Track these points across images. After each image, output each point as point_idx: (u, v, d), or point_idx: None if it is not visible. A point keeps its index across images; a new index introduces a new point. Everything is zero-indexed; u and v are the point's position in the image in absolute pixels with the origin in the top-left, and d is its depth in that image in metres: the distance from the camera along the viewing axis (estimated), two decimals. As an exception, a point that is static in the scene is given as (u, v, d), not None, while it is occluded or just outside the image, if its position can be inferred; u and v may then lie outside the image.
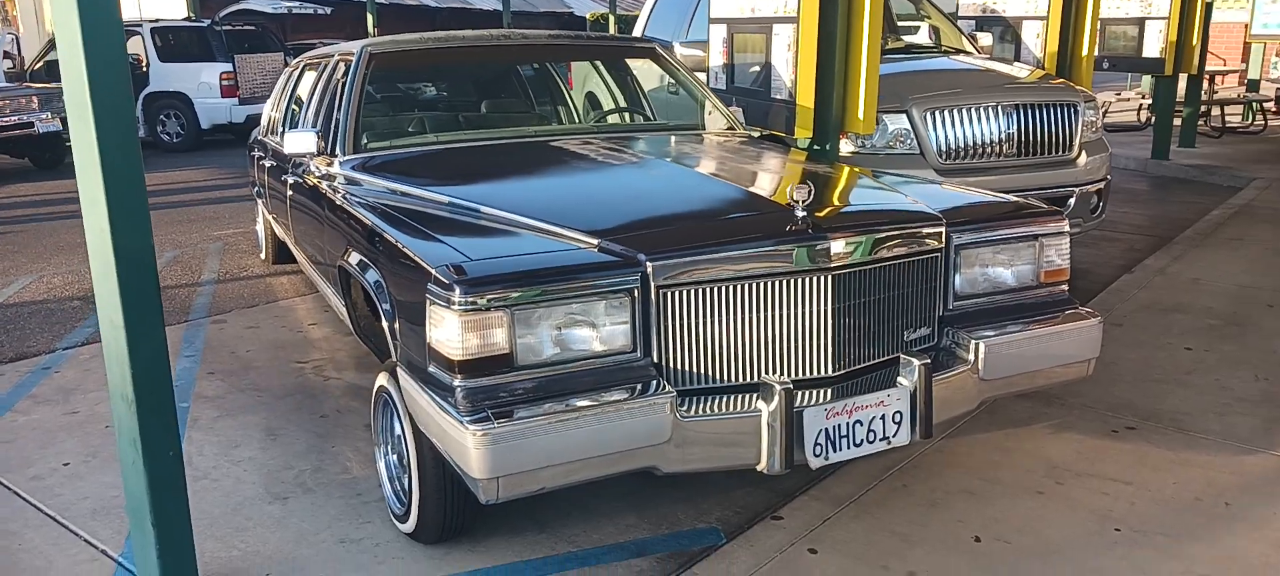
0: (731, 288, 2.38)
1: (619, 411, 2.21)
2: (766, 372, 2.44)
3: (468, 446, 2.11)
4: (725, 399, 2.37)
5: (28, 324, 5.38)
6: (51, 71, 15.19)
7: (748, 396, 2.38)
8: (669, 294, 2.35)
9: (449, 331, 2.20)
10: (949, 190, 3.14)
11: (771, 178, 3.17)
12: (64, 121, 11.90)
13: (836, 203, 2.88)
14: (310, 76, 5.35)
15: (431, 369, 2.32)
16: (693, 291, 2.37)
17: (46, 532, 3.09)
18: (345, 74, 4.45)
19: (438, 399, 2.28)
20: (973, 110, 5.34)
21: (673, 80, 4.65)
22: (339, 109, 3.89)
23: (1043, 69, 6.92)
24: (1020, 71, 6.24)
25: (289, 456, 3.59)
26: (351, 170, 3.59)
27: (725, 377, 2.42)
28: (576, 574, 2.83)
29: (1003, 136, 5.40)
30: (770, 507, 3.13)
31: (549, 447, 2.15)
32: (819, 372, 2.49)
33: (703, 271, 2.37)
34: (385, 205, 3.01)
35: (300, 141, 3.80)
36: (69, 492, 3.35)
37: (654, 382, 2.33)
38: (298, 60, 6.02)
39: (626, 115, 4.78)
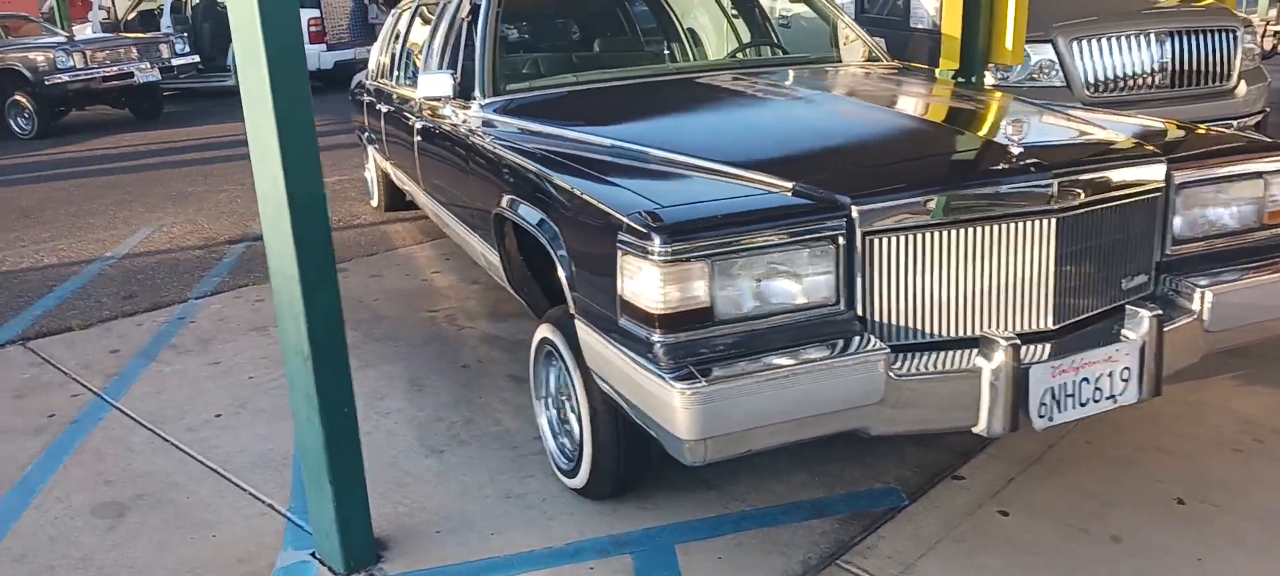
0: (945, 233, 2.20)
1: (831, 370, 2.06)
2: (981, 327, 2.26)
3: (673, 405, 1.98)
4: (940, 355, 2.20)
5: (156, 273, 5.42)
6: (146, 21, 15.43)
7: (963, 353, 2.20)
8: (876, 241, 2.18)
9: (647, 283, 2.06)
10: (1154, 123, 2.88)
11: (963, 112, 2.95)
12: (165, 70, 12.07)
13: (1050, 138, 2.65)
14: (416, 22, 5.24)
15: (623, 322, 2.19)
16: (902, 238, 2.19)
17: (210, 485, 3.07)
18: (472, 14, 4.31)
19: (631, 354, 2.15)
20: (1123, 38, 4.99)
21: (812, 9, 4.41)
22: (476, 50, 3.76)
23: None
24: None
25: (437, 408, 3.53)
26: (494, 113, 3.47)
27: (937, 332, 2.25)
28: (754, 534, 2.71)
29: (1156, 66, 5.05)
30: (949, 467, 2.96)
31: (758, 408, 2.02)
32: (1038, 326, 2.29)
33: (914, 216, 2.18)
34: (546, 150, 2.87)
35: (435, 84, 3.68)
36: (226, 444, 3.33)
37: (857, 338, 2.17)
38: (403, 2, 5.91)
39: (764, 48, 4.55)
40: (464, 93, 3.74)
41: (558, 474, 2.96)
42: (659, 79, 3.78)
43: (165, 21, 14.56)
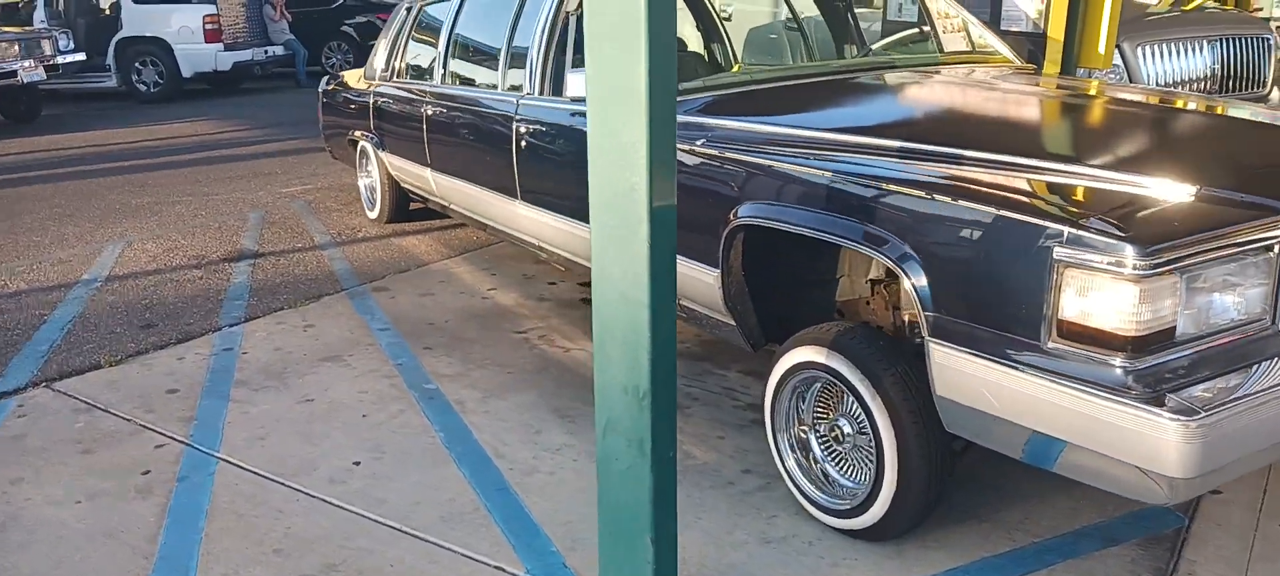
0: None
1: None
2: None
3: (1167, 441, 1.74)
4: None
5: (163, 298, 4.74)
6: (8, 15, 13.93)
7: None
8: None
9: (1113, 301, 1.81)
10: None
11: (1247, 116, 2.81)
12: (49, 68, 10.89)
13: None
14: (472, 12, 4.79)
15: (1054, 345, 1.93)
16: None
17: (409, 548, 2.61)
18: (576, 6, 3.93)
19: (1074, 382, 1.90)
20: (1180, 43, 5.07)
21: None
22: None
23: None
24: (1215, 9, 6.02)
25: (613, 443, 3.15)
26: (685, 115, 3.12)
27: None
28: (1062, 567, 2.49)
29: (1207, 71, 5.15)
30: (1208, 480, 2.83)
31: (1247, 437, 1.80)
32: None
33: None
34: (836, 156, 2.57)
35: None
36: (392, 497, 2.86)
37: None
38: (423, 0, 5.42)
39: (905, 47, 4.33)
40: None
41: (817, 514, 2.66)
42: (843, 76, 3.50)
43: (39, 15, 13.16)
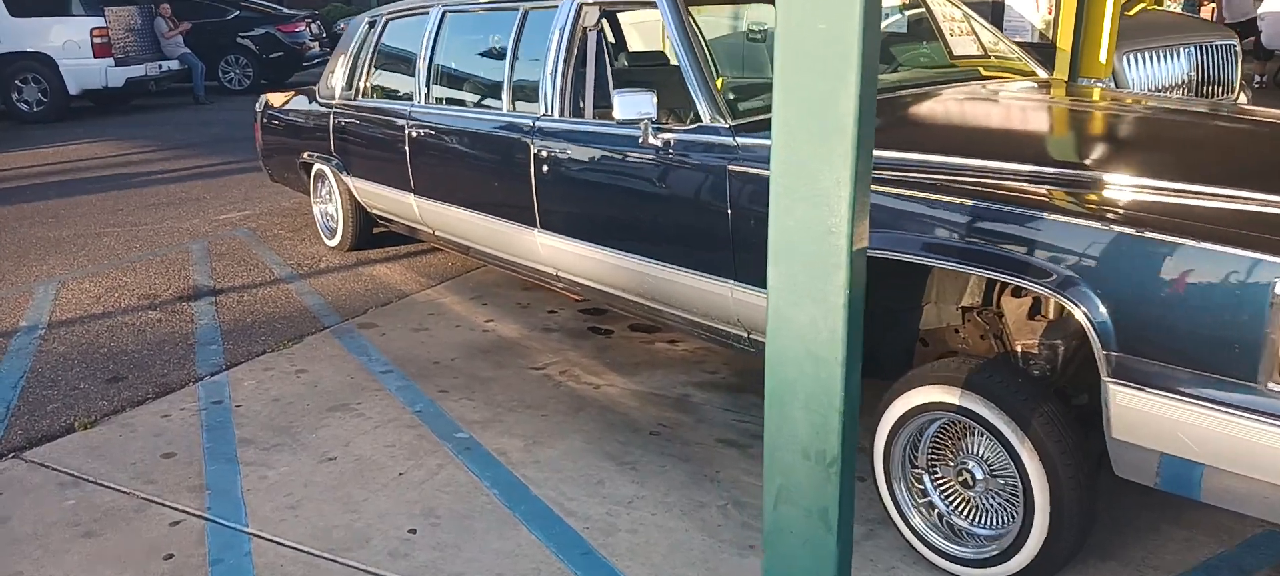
0: None
1: None
2: None
3: None
4: None
5: (124, 346, 4.27)
6: None
7: None
8: None
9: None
10: None
11: None
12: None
13: None
14: (458, 29, 4.49)
15: (1275, 386, 1.81)
16: None
17: (505, 632, 2.33)
18: (594, 23, 3.70)
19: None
20: (1161, 51, 5.14)
21: (961, 15, 4.13)
22: (684, 63, 3.17)
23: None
24: (1174, 12, 6.15)
25: (680, 491, 2.92)
26: (750, 138, 2.91)
27: None
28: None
29: (1185, 76, 5.25)
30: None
31: None
32: None
33: None
34: (979, 183, 2.41)
35: (636, 105, 3.07)
36: (470, 571, 2.56)
37: None
38: (388, 13, 5.08)
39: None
40: (690, 116, 3.17)
41: (946, 564, 2.49)
42: (903, 93, 3.35)
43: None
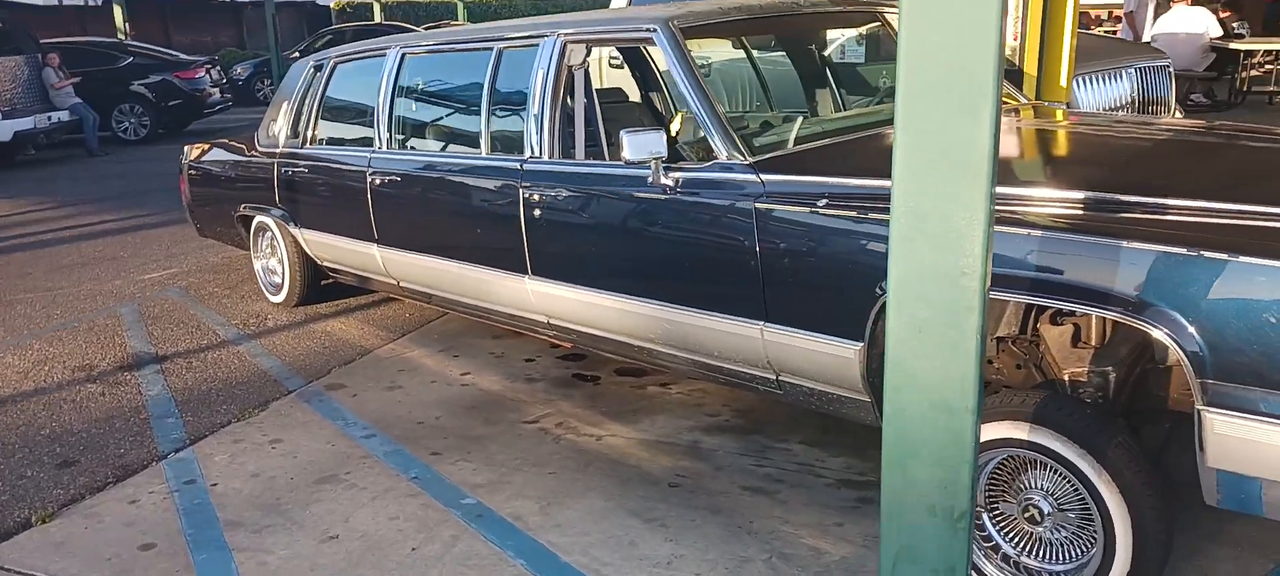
0: None
1: None
2: None
3: None
4: None
5: (66, 425, 3.90)
6: None
7: None
8: None
9: None
10: None
11: None
12: None
13: None
14: (419, 71, 4.30)
15: None
16: None
17: None
18: (580, 62, 3.58)
19: None
20: (1107, 73, 5.29)
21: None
22: (691, 100, 3.06)
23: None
24: (1108, 38, 6.35)
25: (719, 548, 2.78)
26: (774, 174, 2.82)
27: None
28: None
29: (1129, 97, 5.41)
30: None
31: None
32: None
33: None
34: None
35: (647, 145, 2.95)
36: (518, 654, 2.37)
37: None
38: (335, 57, 4.85)
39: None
40: (704, 153, 3.06)
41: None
42: None
43: None
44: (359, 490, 3.24)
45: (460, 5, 28.09)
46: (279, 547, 2.90)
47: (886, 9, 4.17)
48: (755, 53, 4.86)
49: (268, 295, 5.46)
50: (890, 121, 3.29)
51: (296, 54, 21.03)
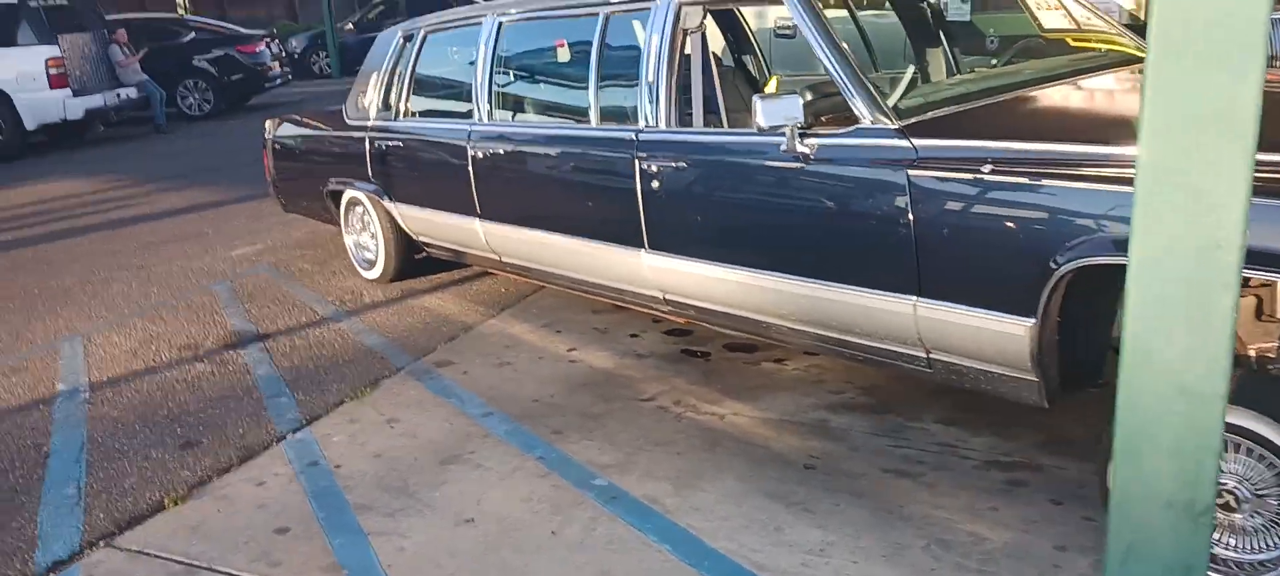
0: None
1: None
2: None
3: None
4: None
5: (182, 405, 3.90)
6: None
7: None
8: None
9: None
10: None
11: None
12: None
13: None
14: (519, 39, 4.20)
15: None
16: None
17: None
18: (697, 25, 3.45)
19: None
20: None
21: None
22: (829, 61, 2.92)
23: None
24: None
25: (873, 530, 2.67)
26: (929, 139, 2.67)
27: None
28: None
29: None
30: None
31: None
32: None
33: None
34: None
35: (782, 110, 2.82)
36: (681, 644, 2.29)
37: None
38: (426, 27, 4.76)
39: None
40: (844, 115, 2.93)
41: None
42: (1073, 81, 3.14)
43: None
44: (486, 471, 3.18)
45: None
46: (415, 531, 2.85)
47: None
48: (859, 11, 4.69)
49: (360, 271, 5.44)
50: (1032, 82, 3.17)
51: (350, 26, 21.07)
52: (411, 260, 5.22)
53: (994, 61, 3.82)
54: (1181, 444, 1.57)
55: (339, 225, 5.52)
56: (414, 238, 5.00)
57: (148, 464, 3.42)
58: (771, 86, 4.72)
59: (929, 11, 4.35)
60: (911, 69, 3.49)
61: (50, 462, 3.47)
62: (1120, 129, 2.74)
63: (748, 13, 5.29)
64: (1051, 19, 4.05)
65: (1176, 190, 1.49)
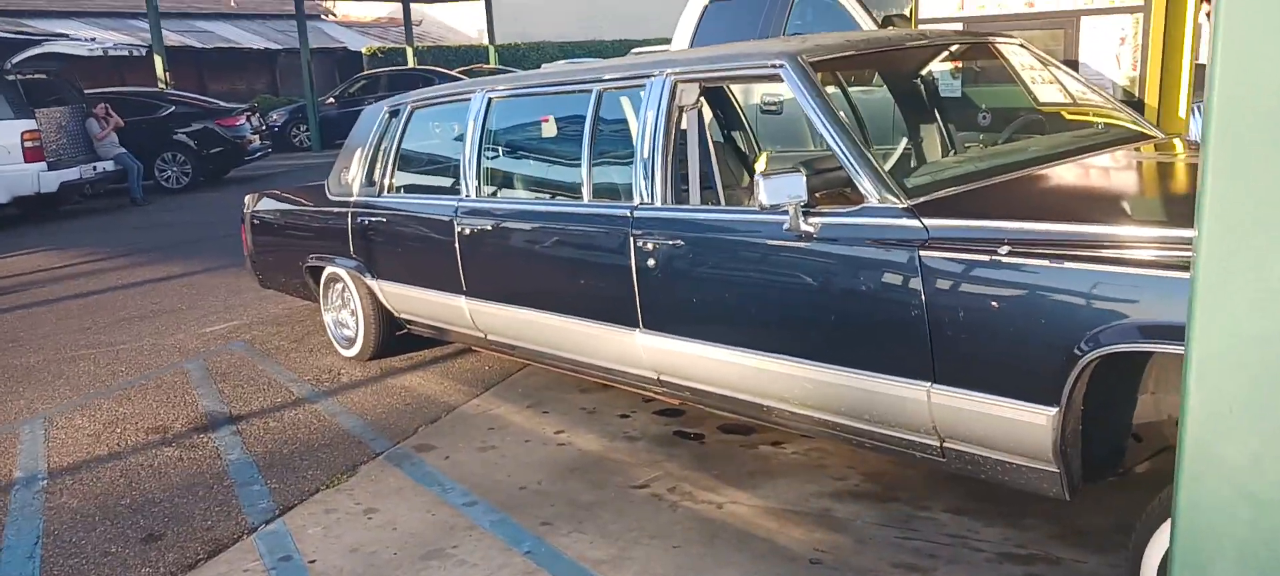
0: None
1: None
2: None
3: None
4: None
5: (146, 493, 3.68)
6: None
7: None
8: None
9: None
10: None
11: None
12: None
13: None
14: (510, 114, 4.11)
15: None
16: None
17: None
18: (693, 102, 3.36)
19: None
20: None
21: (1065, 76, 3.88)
22: (834, 140, 2.83)
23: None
24: None
25: (896, 633, 2.50)
26: (941, 218, 2.57)
27: None
28: None
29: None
30: None
31: None
32: None
33: None
34: None
35: (786, 188, 2.71)
36: None
37: None
38: (412, 102, 4.67)
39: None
40: (850, 189, 2.83)
41: None
42: (1077, 159, 3.06)
43: None
44: (470, 567, 2.99)
45: (491, 50, 28.21)
46: (395, 635, 2.66)
47: (995, 38, 3.95)
48: (851, 89, 4.64)
49: (339, 349, 5.26)
50: (1039, 160, 3.09)
51: (331, 100, 21.13)
52: (392, 338, 5.05)
53: (998, 139, 3.75)
54: (1247, 555, 1.43)
55: (318, 302, 5.35)
56: (396, 315, 4.84)
57: (106, 560, 3.20)
58: (762, 162, 4.65)
59: (923, 88, 4.30)
60: (904, 141, 3.42)
61: (2, 558, 3.25)
62: (1139, 208, 2.65)
63: (735, 88, 5.25)
64: (1047, 93, 4.00)
65: (1243, 279, 1.37)
